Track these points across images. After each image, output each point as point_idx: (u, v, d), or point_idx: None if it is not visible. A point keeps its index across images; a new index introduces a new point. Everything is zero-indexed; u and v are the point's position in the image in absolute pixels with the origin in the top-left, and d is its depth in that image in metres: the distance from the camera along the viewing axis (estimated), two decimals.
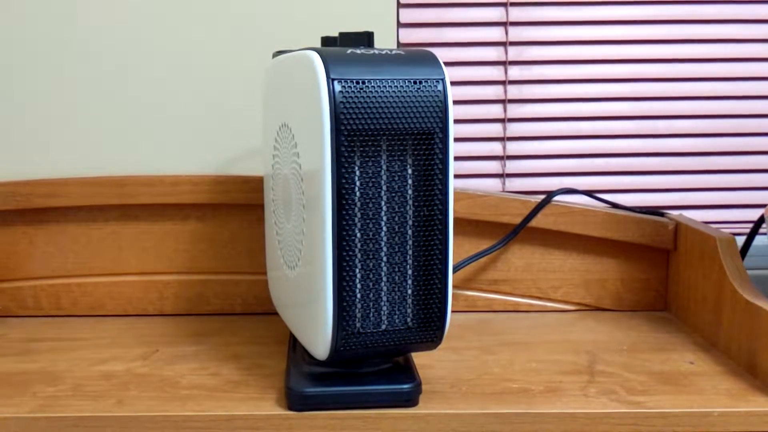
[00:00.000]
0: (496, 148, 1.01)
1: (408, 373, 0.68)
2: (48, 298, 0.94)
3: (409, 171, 0.63)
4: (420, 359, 0.77)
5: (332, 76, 0.61)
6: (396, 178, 0.63)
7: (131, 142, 0.95)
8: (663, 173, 1.03)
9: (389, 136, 0.62)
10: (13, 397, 0.69)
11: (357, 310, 0.64)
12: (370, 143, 0.62)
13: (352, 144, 0.61)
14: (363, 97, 0.61)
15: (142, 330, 0.88)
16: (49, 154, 0.94)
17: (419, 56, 0.64)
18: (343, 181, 0.61)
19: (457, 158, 1.01)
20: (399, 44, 0.97)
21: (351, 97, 0.61)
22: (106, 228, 0.93)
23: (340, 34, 0.68)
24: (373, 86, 0.61)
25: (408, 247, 0.64)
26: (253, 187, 0.91)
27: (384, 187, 0.63)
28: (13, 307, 0.94)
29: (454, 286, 0.95)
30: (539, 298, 0.95)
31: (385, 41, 0.94)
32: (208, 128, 0.95)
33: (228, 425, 0.65)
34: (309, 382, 0.66)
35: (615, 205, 0.96)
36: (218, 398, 0.68)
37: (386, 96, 0.61)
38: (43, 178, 0.92)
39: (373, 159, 0.62)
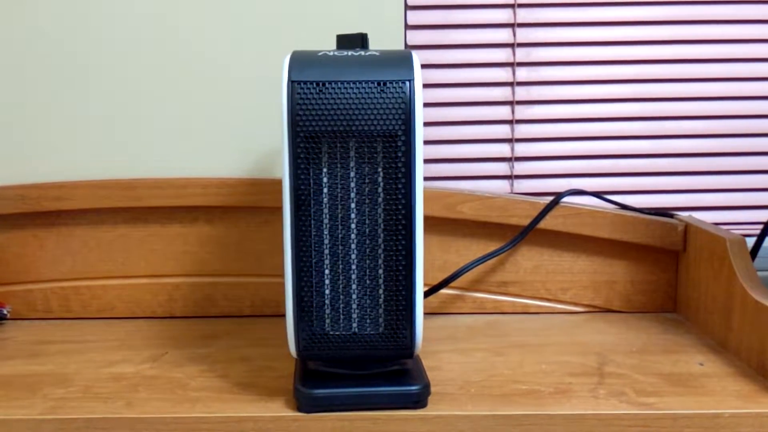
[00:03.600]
0: (504, 149, 1.01)
1: (417, 374, 0.68)
2: (58, 300, 0.94)
3: (380, 174, 0.63)
4: (429, 361, 0.77)
5: (292, 79, 0.61)
6: (366, 182, 0.63)
7: (140, 145, 0.95)
8: (672, 174, 1.02)
9: (357, 139, 0.62)
10: (23, 399, 0.69)
11: (326, 313, 0.64)
12: (336, 146, 0.62)
13: (311, 146, 0.61)
14: (321, 99, 0.61)
15: (151, 332, 0.89)
16: (58, 157, 0.95)
17: (393, 58, 0.63)
18: (299, 182, 0.62)
19: (464, 160, 1.01)
20: (407, 46, 0.97)
21: (308, 99, 0.61)
22: (115, 231, 0.94)
23: (338, 36, 0.68)
24: (333, 88, 0.61)
25: (379, 251, 0.64)
26: (262, 189, 0.92)
27: (353, 191, 0.63)
28: (23, 310, 0.94)
29: (462, 288, 0.94)
30: (548, 300, 0.95)
31: (392, 43, 0.94)
32: (217, 131, 0.95)
33: (237, 427, 0.65)
34: (318, 383, 0.66)
35: (624, 207, 0.95)
36: (227, 400, 0.68)
37: (346, 98, 0.61)
38: (53, 182, 0.92)
39: (341, 162, 0.62)
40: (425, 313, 0.93)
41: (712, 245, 0.84)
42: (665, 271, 0.94)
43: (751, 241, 0.85)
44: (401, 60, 0.63)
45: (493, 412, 0.66)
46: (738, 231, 0.99)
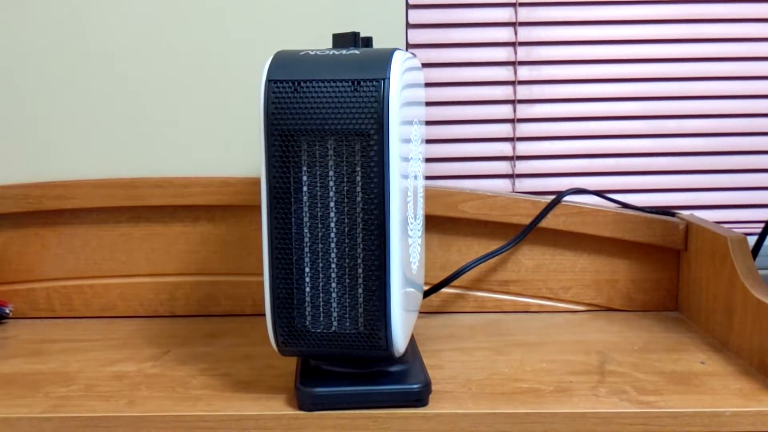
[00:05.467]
0: (505, 148, 1.01)
1: (418, 373, 0.68)
2: (60, 299, 0.94)
3: (358, 174, 0.62)
4: (430, 359, 0.77)
5: (269, 78, 0.62)
6: (344, 181, 0.63)
7: (141, 144, 0.95)
8: (673, 173, 1.02)
9: (335, 138, 0.62)
10: (26, 398, 0.69)
11: (306, 310, 0.64)
12: (315, 145, 0.62)
13: (286, 145, 0.62)
14: (296, 98, 0.61)
15: (153, 331, 0.89)
16: (60, 156, 0.95)
17: (372, 57, 0.63)
18: (274, 180, 0.62)
19: (466, 159, 1.01)
20: (408, 45, 0.97)
21: (283, 98, 0.62)
22: (117, 230, 0.94)
23: (333, 35, 0.68)
24: (308, 87, 0.61)
25: (358, 250, 0.63)
26: None
27: (332, 190, 0.63)
28: (25, 309, 0.94)
29: (464, 287, 0.95)
30: (549, 299, 0.95)
31: (393, 42, 0.94)
32: (219, 130, 0.95)
33: (238, 425, 0.65)
34: (319, 382, 0.66)
35: (625, 205, 0.95)
36: (229, 398, 0.68)
37: (321, 97, 0.61)
38: (55, 181, 0.93)
39: (320, 161, 0.63)
40: (428, 312, 0.94)
41: (713, 244, 0.84)
42: (667, 269, 0.94)
43: (752, 240, 0.85)
44: (379, 59, 0.62)
45: (494, 410, 0.66)
46: (739, 229, 1.00)
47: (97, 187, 0.92)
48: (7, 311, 0.92)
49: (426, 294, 0.92)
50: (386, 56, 0.63)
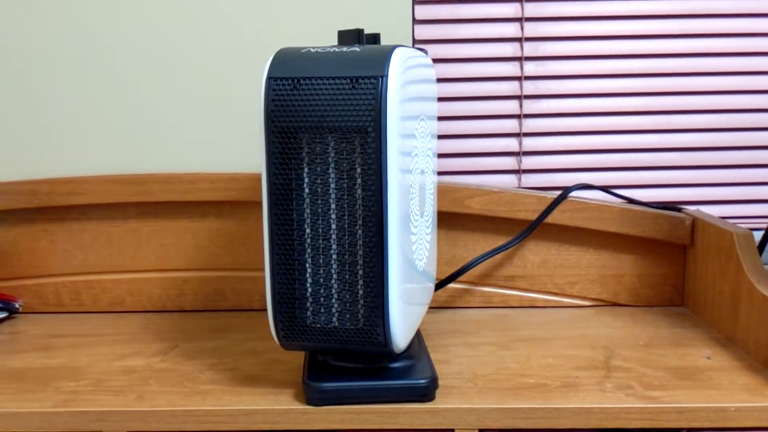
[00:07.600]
0: (512, 144, 1.01)
1: (424, 368, 0.69)
2: (69, 294, 0.95)
3: (357, 170, 0.63)
4: (436, 354, 0.77)
5: (270, 75, 0.63)
6: (344, 177, 0.63)
7: (149, 140, 0.96)
8: (680, 168, 1.02)
9: (335, 135, 0.62)
10: (36, 392, 0.70)
11: (307, 305, 0.65)
12: (316, 142, 0.63)
13: (286, 142, 0.63)
14: (296, 95, 0.62)
15: (162, 326, 0.89)
16: (68, 152, 0.95)
17: (371, 54, 0.63)
18: (273, 177, 0.63)
19: (472, 154, 1.01)
20: (414, 41, 0.98)
21: (283, 95, 0.62)
22: (125, 225, 0.94)
23: (339, 32, 0.69)
24: (308, 85, 0.62)
25: (358, 247, 0.64)
26: None
27: (332, 186, 0.63)
28: (34, 304, 0.95)
29: (470, 282, 0.95)
30: (555, 294, 0.95)
31: (400, 38, 0.95)
32: (226, 126, 0.96)
33: (246, 419, 0.66)
34: (326, 377, 0.67)
35: (631, 201, 0.95)
36: (237, 393, 0.69)
37: (319, 94, 0.62)
38: (63, 177, 0.93)
39: (320, 157, 0.63)
40: (435, 307, 0.94)
41: (719, 239, 0.84)
42: (672, 265, 0.94)
43: (758, 235, 0.85)
44: (378, 56, 0.63)
45: (500, 405, 0.66)
46: (745, 225, 0.99)
47: (105, 183, 0.92)
48: (17, 306, 0.93)
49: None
50: (385, 53, 0.63)
